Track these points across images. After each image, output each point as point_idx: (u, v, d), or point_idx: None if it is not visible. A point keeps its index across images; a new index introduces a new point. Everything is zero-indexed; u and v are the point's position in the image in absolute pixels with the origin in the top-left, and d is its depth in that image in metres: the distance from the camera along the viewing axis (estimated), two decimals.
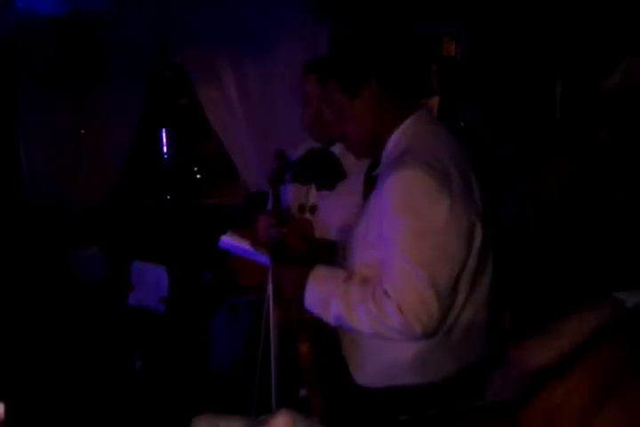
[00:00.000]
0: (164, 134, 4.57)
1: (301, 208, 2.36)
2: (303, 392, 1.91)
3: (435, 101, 3.98)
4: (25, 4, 2.76)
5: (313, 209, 2.34)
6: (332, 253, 1.96)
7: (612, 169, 2.65)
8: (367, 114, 1.78)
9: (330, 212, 2.31)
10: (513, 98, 3.97)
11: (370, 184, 1.83)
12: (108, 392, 3.51)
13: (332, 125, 1.88)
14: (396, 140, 1.77)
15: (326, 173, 2.25)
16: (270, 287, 1.96)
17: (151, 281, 3.48)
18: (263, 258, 1.93)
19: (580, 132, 3.06)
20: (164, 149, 4.59)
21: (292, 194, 2.39)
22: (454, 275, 1.63)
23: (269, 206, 2.29)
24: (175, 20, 4.08)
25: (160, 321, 3.65)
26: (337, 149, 2.35)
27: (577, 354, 0.82)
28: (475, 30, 4.34)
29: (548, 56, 4.05)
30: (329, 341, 1.88)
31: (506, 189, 3.20)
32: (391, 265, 1.61)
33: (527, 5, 3.94)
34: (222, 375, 3.58)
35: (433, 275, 1.57)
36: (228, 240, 1.99)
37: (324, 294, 1.70)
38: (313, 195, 2.35)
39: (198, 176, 5.04)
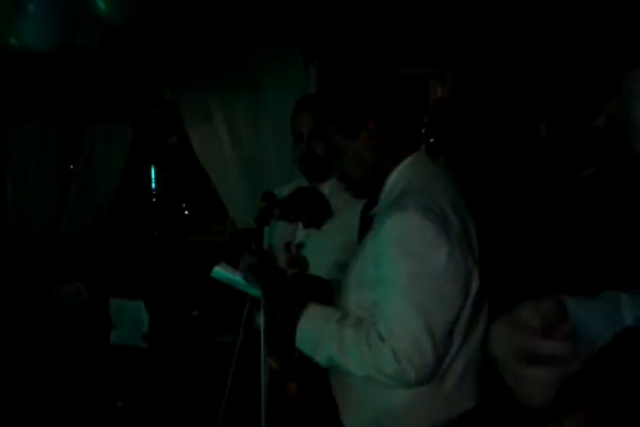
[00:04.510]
0: (152, 171, 4.57)
1: (287, 246, 2.35)
2: None
3: None
4: (17, 39, 2.78)
5: (299, 247, 2.33)
6: (328, 293, 1.93)
7: (599, 208, 2.67)
8: (366, 155, 1.78)
9: (317, 250, 2.30)
10: (498, 139, 4.01)
11: (366, 224, 1.82)
12: None
13: (332, 167, 1.88)
14: (394, 181, 1.76)
15: (314, 212, 2.25)
16: (262, 322, 1.92)
17: (131, 318, 3.43)
18: (255, 291, 1.90)
19: (566, 172, 3.09)
20: (153, 185, 4.59)
21: (280, 232, 2.38)
22: (450, 321, 1.59)
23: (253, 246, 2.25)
24: (168, 60, 4.12)
25: (142, 359, 3.58)
26: (326, 187, 2.36)
27: (565, 399, 0.82)
28: (461, 73, 4.41)
29: (533, 98, 4.11)
30: (318, 381, 1.84)
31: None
32: (387, 308, 1.57)
33: (513, 48, 4.01)
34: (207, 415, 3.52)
35: (429, 320, 1.53)
36: (221, 270, 1.96)
37: (316, 334, 1.66)
38: (300, 233, 2.34)
39: (186, 213, 5.04)
